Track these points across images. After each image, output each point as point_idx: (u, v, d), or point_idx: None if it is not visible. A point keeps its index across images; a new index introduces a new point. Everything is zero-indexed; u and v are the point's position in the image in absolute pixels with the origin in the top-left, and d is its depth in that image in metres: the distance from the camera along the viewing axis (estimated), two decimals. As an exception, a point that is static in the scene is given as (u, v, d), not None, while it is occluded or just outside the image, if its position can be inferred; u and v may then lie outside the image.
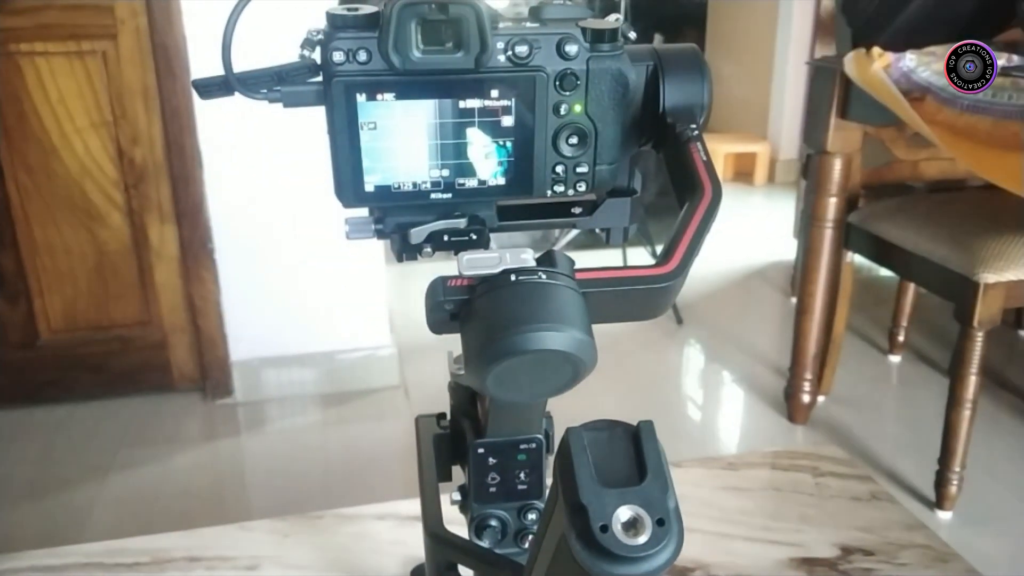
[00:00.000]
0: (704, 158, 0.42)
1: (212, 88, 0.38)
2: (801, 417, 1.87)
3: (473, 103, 0.38)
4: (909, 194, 1.91)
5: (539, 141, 0.40)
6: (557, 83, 0.39)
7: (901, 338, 2.18)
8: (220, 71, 0.40)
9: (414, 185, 0.40)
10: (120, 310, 1.92)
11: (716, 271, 2.81)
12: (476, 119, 0.39)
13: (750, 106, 4.12)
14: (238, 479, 1.78)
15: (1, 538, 1.52)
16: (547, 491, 0.47)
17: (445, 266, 0.42)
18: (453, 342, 0.39)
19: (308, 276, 1.93)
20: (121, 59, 1.72)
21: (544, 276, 0.35)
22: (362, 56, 0.37)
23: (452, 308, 0.35)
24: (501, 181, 0.41)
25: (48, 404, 1.93)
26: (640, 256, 2.64)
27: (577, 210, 0.46)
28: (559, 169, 0.41)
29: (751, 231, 3.27)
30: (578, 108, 0.40)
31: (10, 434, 1.86)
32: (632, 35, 0.41)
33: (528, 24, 0.40)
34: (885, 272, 2.20)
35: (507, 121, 0.39)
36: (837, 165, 1.69)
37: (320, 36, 0.37)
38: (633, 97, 0.41)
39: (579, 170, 0.41)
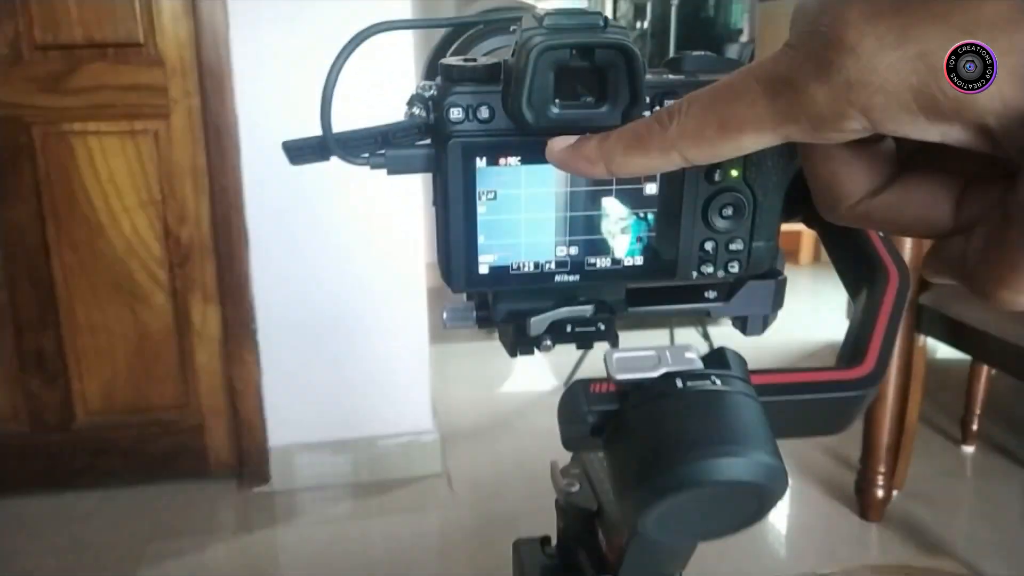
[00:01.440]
0: (880, 232, 0.35)
1: (305, 151, 0.32)
2: (875, 514, 1.73)
3: (612, 168, 0.32)
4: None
5: (687, 213, 0.33)
6: None
7: (975, 427, 2.04)
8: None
9: (536, 266, 0.33)
10: (158, 392, 1.87)
11: (767, 354, 2.71)
12: (613, 187, 0.33)
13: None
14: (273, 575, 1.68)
15: (24, 636, 1.44)
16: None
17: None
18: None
19: (351, 358, 1.87)
20: (172, 138, 1.72)
21: (718, 381, 0.28)
22: (484, 113, 0.31)
23: (596, 420, 0.28)
24: (638, 261, 0.34)
25: (80, 490, 1.86)
26: (689, 338, 2.55)
27: (711, 294, 0.39)
28: (708, 246, 0.34)
29: (801, 312, 3.17)
30: (735, 173, 0.33)
31: (40, 522, 1.79)
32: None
33: (671, 76, 0.34)
34: (947, 354, 2.08)
35: (650, 189, 0.33)
36: (907, 243, 1.60)
37: (433, 91, 0.31)
38: (796, 159, 0.34)
39: (732, 247, 0.34)
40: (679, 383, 0.27)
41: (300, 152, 0.32)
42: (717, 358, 0.30)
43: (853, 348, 0.32)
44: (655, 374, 0.28)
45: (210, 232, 1.77)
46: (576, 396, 0.29)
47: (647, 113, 0.31)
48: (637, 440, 0.27)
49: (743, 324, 0.41)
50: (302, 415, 1.88)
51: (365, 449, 1.91)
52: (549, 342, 0.35)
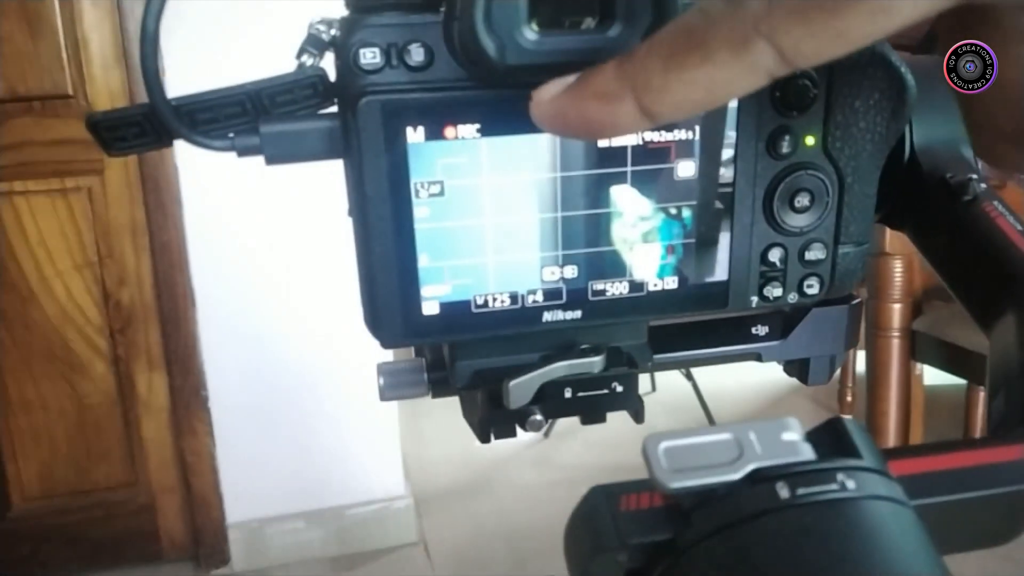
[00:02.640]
0: (1019, 227, 0.24)
1: (127, 131, 0.20)
2: (888, 558, 1.62)
3: (625, 137, 0.21)
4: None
5: (742, 205, 0.22)
6: (777, 95, 0.21)
7: (978, 456, 1.95)
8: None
9: (513, 298, 0.21)
10: (103, 472, 1.72)
11: (750, 388, 2.61)
12: (628, 167, 0.21)
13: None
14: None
15: None
16: None
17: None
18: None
19: (312, 420, 1.74)
20: (108, 195, 1.60)
21: (849, 483, 0.16)
22: (416, 55, 0.19)
23: (633, 560, 0.16)
24: (670, 284, 0.22)
25: (18, 585, 1.69)
26: (684, 403, 2.43)
27: (761, 329, 0.27)
28: (774, 256, 0.22)
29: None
30: (811, 141, 0.22)
31: (-30, 625, 1.61)
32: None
33: None
34: (934, 379, 1.99)
35: (685, 170, 0.21)
36: (898, 267, 1.53)
37: (336, 29, 0.20)
38: (904, 123, 0.23)
39: (809, 256, 0.23)
40: (783, 490, 0.16)
41: (118, 134, 0.20)
42: (832, 436, 0.18)
43: (1021, 409, 0.20)
44: (737, 475, 0.16)
45: (153, 293, 1.64)
46: (596, 518, 0.17)
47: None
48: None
49: (802, 370, 0.29)
50: (262, 487, 1.73)
51: (333, 520, 1.77)
52: (539, 416, 0.23)
